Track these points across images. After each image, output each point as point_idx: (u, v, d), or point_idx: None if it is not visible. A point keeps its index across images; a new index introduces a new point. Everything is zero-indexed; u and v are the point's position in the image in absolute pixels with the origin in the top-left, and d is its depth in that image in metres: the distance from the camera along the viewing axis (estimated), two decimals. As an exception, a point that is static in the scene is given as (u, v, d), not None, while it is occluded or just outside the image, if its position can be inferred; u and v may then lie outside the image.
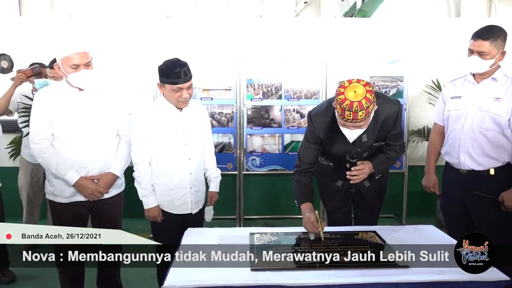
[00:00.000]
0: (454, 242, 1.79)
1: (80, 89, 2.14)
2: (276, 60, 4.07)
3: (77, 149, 2.12)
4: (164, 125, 2.17)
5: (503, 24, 2.16)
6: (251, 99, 4.06)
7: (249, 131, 4.09)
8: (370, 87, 1.76)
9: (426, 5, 5.99)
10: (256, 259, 1.59)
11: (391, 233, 1.89)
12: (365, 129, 1.89)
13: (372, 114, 1.86)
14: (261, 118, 4.09)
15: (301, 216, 4.70)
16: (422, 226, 2.02)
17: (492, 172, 2.14)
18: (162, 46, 4.06)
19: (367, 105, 1.73)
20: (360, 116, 1.74)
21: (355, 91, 1.74)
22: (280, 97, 4.08)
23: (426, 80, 4.21)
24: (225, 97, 4.05)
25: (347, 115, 1.75)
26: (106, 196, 2.22)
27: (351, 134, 1.90)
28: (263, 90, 4.07)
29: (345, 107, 1.73)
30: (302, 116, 4.06)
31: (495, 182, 2.14)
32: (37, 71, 3.06)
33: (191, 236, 1.92)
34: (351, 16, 4.96)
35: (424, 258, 1.61)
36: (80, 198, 2.17)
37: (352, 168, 2.00)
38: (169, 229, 2.23)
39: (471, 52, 2.10)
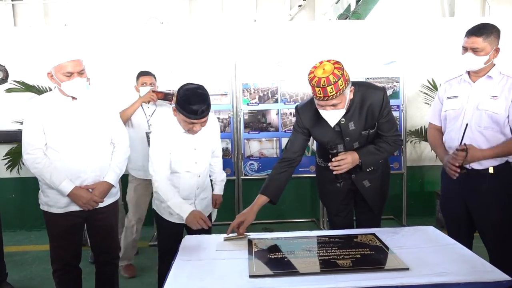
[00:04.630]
0: (454, 242, 1.78)
1: (73, 98, 2.12)
2: (271, 64, 4.07)
3: (71, 159, 2.09)
4: (177, 145, 2.15)
5: (497, 23, 2.16)
6: (247, 104, 4.06)
7: (246, 135, 4.08)
8: (339, 64, 1.83)
9: (420, 5, 6.02)
10: (254, 266, 1.57)
11: (390, 235, 1.87)
12: (342, 110, 1.91)
13: (348, 94, 1.89)
14: (258, 123, 4.08)
15: (300, 220, 4.68)
16: (421, 227, 2.00)
17: (491, 170, 2.12)
18: (158, 53, 4.06)
19: (334, 80, 1.77)
20: (330, 92, 1.79)
21: (323, 69, 1.81)
22: (276, 101, 4.07)
23: (422, 80, 4.21)
24: (221, 103, 4.04)
25: (318, 93, 1.82)
26: (101, 205, 2.20)
27: (329, 116, 1.92)
28: (259, 94, 4.06)
29: (314, 84, 1.80)
30: (299, 119, 4.05)
31: (495, 181, 2.12)
32: (168, 98, 3.18)
33: (189, 243, 1.90)
34: (346, 19, 4.97)
35: (424, 260, 1.59)
36: (75, 208, 2.14)
37: (333, 159, 1.99)
38: (174, 237, 2.20)
39: (465, 49, 2.10)
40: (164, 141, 2.13)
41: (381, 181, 2.25)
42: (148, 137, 3.24)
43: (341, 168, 1.99)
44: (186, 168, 2.19)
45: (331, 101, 1.83)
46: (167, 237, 2.26)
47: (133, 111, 3.15)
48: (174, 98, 3.03)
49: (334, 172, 2.01)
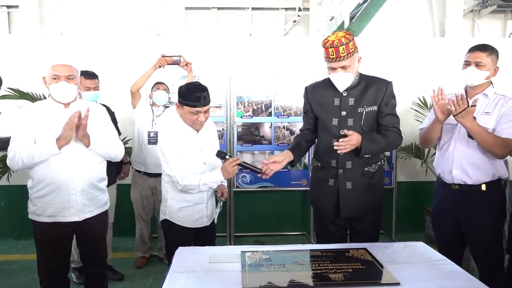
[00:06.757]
0: (444, 258, 1.81)
1: (66, 106, 2.12)
2: (266, 78, 4.13)
3: (60, 167, 2.07)
4: (185, 146, 2.19)
5: (486, 43, 2.24)
6: (241, 116, 4.09)
7: (239, 148, 4.11)
8: (349, 33, 2.06)
9: (412, 24, 6.15)
10: (247, 279, 1.58)
11: (382, 250, 1.89)
12: (350, 74, 2.07)
13: (356, 61, 2.08)
14: (251, 135, 4.11)
15: (292, 233, 4.66)
16: (412, 242, 2.02)
17: (483, 188, 2.16)
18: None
19: (346, 41, 2.00)
20: (342, 52, 2.00)
21: (336, 35, 2.05)
22: (270, 114, 4.11)
23: (413, 97, 4.29)
24: (215, 115, 4.07)
25: (331, 54, 2.02)
26: (89, 215, 2.18)
27: (339, 79, 2.08)
28: (253, 107, 4.10)
29: (328, 46, 2.02)
30: (292, 133, 4.10)
31: (487, 198, 2.16)
32: (177, 62, 3.24)
33: (182, 255, 1.89)
34: (339, 35, 5.05)
35: (415, 275, 1.61)
36: (63, 218, 2.11)
37: (341, 140, 2.02)
38: (183, 243, 2.15)
39: (467, 64, 2.17)
40: (176, 141, 2.18)
41: (365, 191, 2.19)
42: (149, 135, 3.34)
43: (345, 147, 2.02)
44: (196, 169, 2.20)
45: (342, 62, 2.03)
46: (177, 243, 2.23)
47: (146, 77, 3.28)
48: (189, 70, 3.25)
49: (338, 151, 2.04)
